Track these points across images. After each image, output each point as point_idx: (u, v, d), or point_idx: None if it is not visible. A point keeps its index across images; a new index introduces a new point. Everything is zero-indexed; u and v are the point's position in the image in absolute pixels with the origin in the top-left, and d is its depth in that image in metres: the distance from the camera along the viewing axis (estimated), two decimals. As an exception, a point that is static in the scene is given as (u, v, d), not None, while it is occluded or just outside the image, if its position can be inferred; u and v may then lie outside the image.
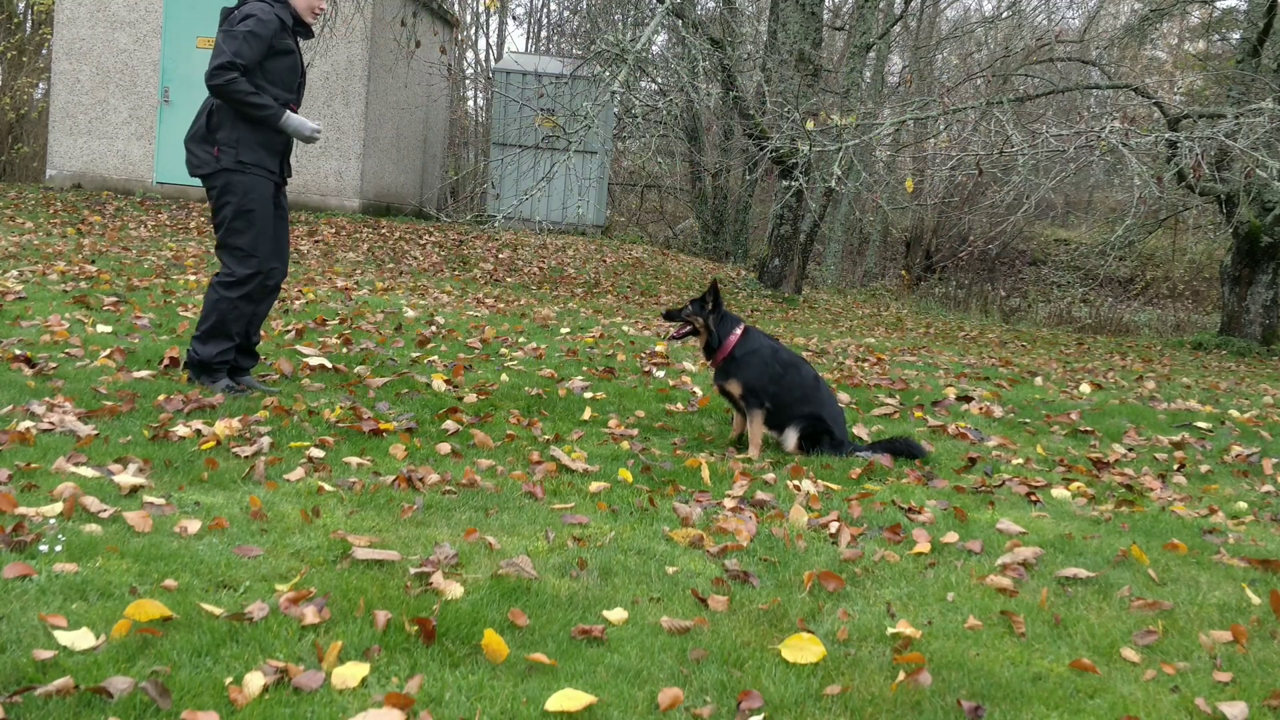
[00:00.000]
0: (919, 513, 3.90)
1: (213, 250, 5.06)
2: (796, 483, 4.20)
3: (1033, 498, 4.30)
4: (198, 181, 4.80)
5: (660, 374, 6.23)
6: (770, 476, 4.30)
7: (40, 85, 19.29)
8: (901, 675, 2.52)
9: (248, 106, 4.63)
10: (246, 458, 3.85)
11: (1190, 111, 11.85)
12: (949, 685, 2.51)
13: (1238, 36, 16.72)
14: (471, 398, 5.12)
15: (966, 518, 3.89)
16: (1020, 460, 5.00)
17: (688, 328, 4.96)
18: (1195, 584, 3.33)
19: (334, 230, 12.20)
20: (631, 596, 2.90)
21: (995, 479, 4.58)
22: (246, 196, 4.68)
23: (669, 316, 5.04)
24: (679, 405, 5.52)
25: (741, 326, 4.89)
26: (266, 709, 2.13)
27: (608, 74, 9.94)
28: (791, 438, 4.80)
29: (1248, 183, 11.75)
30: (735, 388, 4.79)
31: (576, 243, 14.85)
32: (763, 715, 2.32)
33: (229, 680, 2.21)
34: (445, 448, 4.27)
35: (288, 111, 4.72)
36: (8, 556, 2.69)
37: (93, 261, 8.00)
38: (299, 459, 3.90)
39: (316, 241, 11.40)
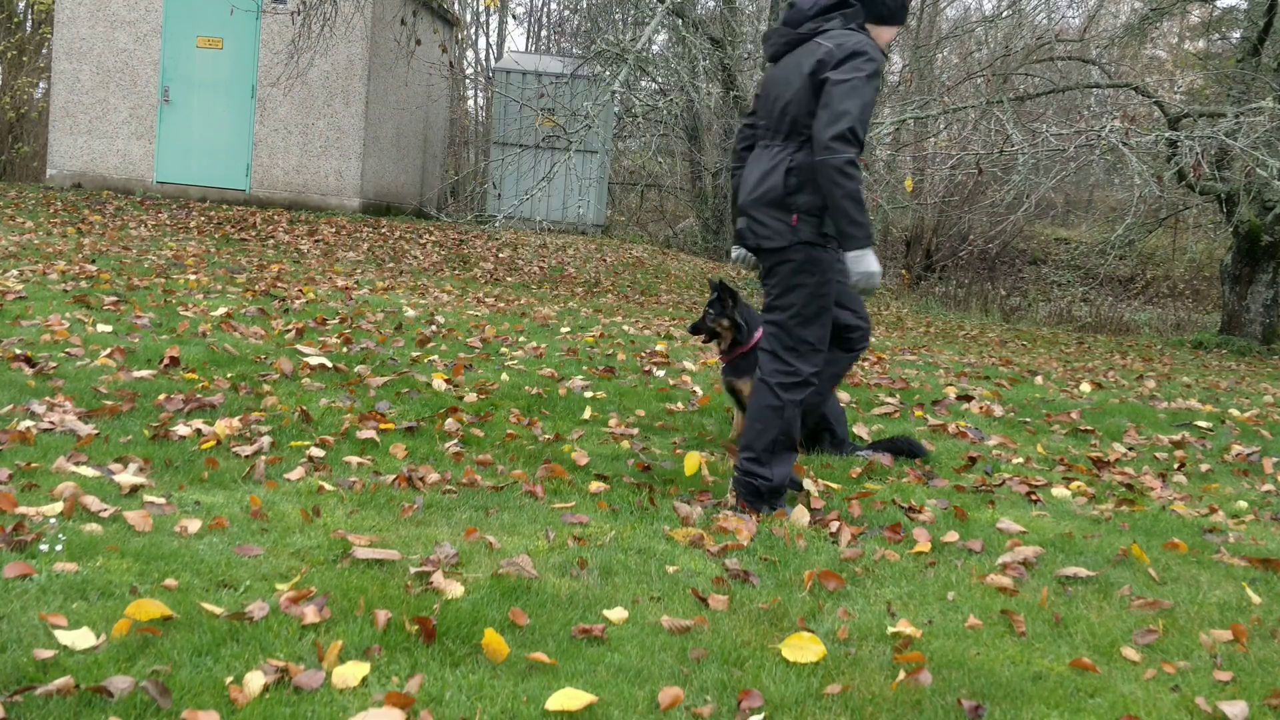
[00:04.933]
0: (919, 512, 3.90)
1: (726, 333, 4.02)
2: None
3: (1033, 497, 4.30)
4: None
5: (660, 373, 6.23)
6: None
7: (40, 85, 19.28)
8: (902, 674, 2.52)
9: (847, 208, 3.51)
10: (247, 457, 3.85)
11: (1190, 110, 11.85)
12: (949, 684, 2.51)
13: (1238, 35, 16.72)
14: (472, 397, 5.12)
15: (967, 517, 3.89)
16: (1020, 459, 5.00)
17: (714, 335, 4.74)
18: (1195, 583, 3.33)
19: (334, 230, 12.20)
20: (632, 596, 2.91)
21: (995, 478, 4.58)
22: (826, 277, 3.71)
23: (696, 330, 4.82)
24: (679, 404, 5.52)
25: (762, 325, 4.83)
26: (267, 708, 2.13)
27: (608, 74, 9.94)
28: (792, 436, 4.78)
29: (1248, 182, 11.74)
30: (746, 386, 4.75)
31: (576, 242, 14.85)
32: (763, 714, 2.32)
33: (229, 680, 2.21)
34: (446, 447, 4.27)
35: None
36: (8, 556, 2.69)
37: (93, 261, 8.00)
38: (299, 458, 3.90)
39: (316, 241, 11.40)
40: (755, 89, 4.06)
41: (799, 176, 3.64)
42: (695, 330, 4.83)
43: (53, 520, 2.99)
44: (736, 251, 4.16)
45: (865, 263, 3.57)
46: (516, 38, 38.92)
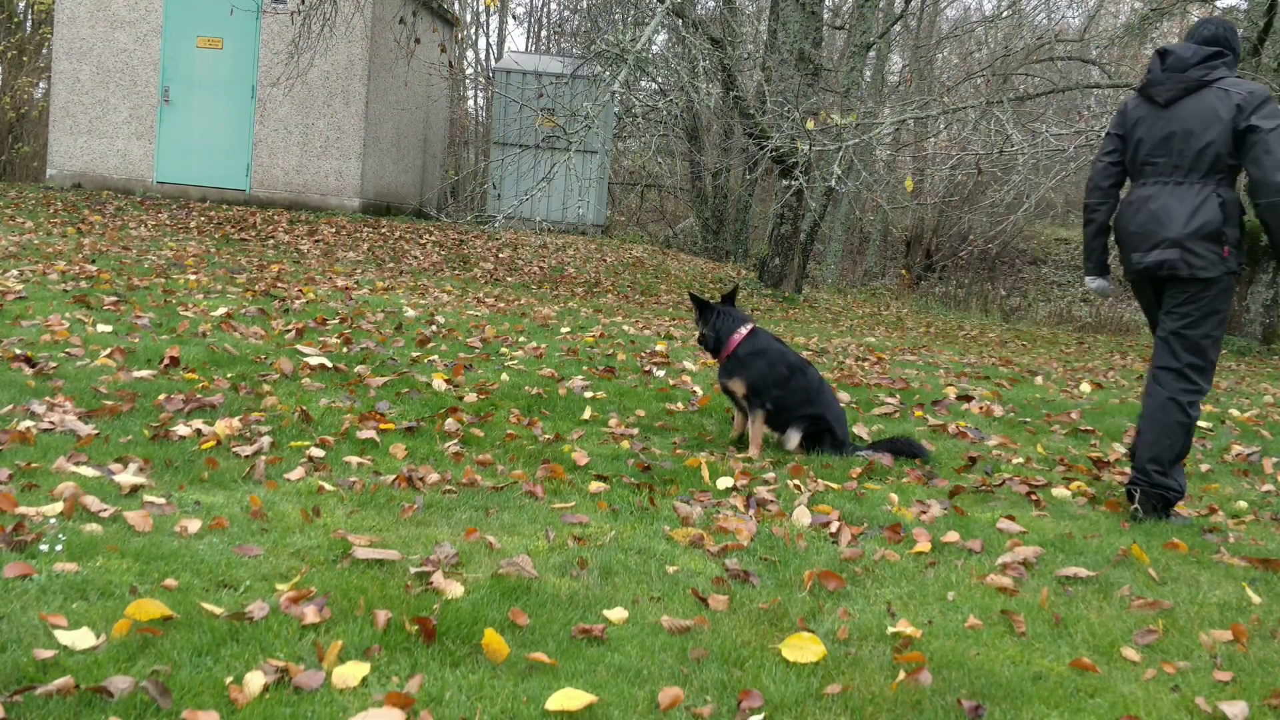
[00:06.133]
0: (922, 511, 3.90)
1: (1167, 363, 4.12)
2: (797, 482, 4.21)
3: (1033, 497, 4.30)
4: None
5: (660, 373, 6.23)
6: (771, 476, 4.30)
7: (40, 85, 19.28)
8: (902, 674, 2.52)
9: None
10: (247, 457, 3.85)
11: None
12: (949, 684, 2.51)
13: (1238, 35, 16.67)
14: (472, 397, 5.12)
15: (966, 515, 3.89)
16: (1020, 459, 5.00)
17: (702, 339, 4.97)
18: (1195, 583, 3.33)
19: (334, 230, 12.20)
20: (632, 596, 2.91)
21: (995, 478, 4.58)
22: (1230, 304, 4.13)
23: (703, 342, 5.01)
24: (679, 404, 5.52)
25: (748, 326, 4.87)
26: (267, 708, 2.13)
27: (608, 74, 9.93)
28: (794, 438, 4.79)
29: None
30: (738, 387, 4.78)
31: (576, 242, 14.85)
32: (763, 714, 2.32)
33: (229, 680, 2.21)
34: (446, 447, 4.27)
35: None
36: (8, 556, 2.69)
37: (93, 261, 8.00)
38: (299, 458, 3.91)
39: (317, 241, 11.40)
40: (1110, 128, 4.31)
41: (1227, 211, 4.00)
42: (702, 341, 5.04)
43: (53, 520, 2.99)
44: (1097, 283, 4.43)
45: None
46: (516, 38, 38.96)
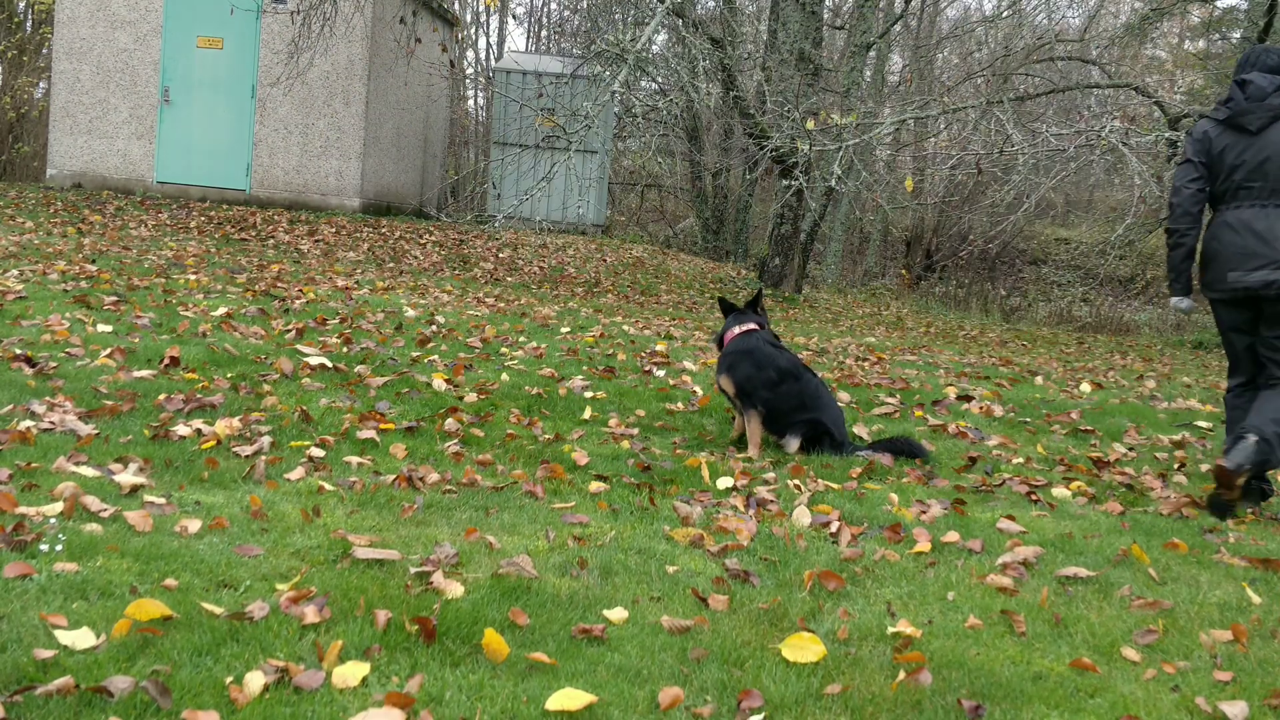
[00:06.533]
0: (922, 511, 3.89)
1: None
2: (797, 482, 4.21)
3: (1033, 497, 4.30)
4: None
5: (660, 373, 6.22)
6: (771, 476, 4.30)
7: (40, 84, 19.28)
8: (902, 674, 2.52)
9: None
10: (247, 457, 3.85)
11: (1191, 111, 11.84)
12: (949, 684, 2.52)
13: (1238, 35, 16.72)
14: (472, 397, 5.12)
15: (965, 514, 3.89)
16: (1020, 459, 5.00)
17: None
18: (1195, 583, 3.33)
19: (334, 230, 12.20)
20: (632, 596, 2.91)
21: (995, 478, 4.58)
22: None
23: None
24: (679, 404, 5.52)
25: (742, 326, 4.89)
26: (267, 708, 2.13)
27: (608, 74, 9.93)
28: (793, 443, 4.80)
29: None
30: (727, 385, 4.83)
31: (577, 242, 14.85)
32: (763, 714, 2.32)
33: (229, 679, 2.21)
34: (446, 447, 4.27)
35: None
36: (8, 556, 2.69)
37: (93, 261, 8.00)
38: (299, 458, 3.91)
39: (317, 241, 11.40)
40: (1188, 155, 4.52)
41: None
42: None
43: (53, 520, 2.99)
44: (1186, 303, 4.65)
45: None
46: (516, 38, 38.94)
